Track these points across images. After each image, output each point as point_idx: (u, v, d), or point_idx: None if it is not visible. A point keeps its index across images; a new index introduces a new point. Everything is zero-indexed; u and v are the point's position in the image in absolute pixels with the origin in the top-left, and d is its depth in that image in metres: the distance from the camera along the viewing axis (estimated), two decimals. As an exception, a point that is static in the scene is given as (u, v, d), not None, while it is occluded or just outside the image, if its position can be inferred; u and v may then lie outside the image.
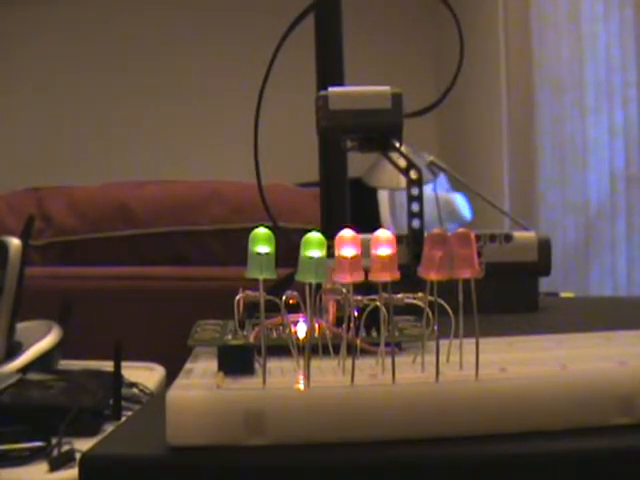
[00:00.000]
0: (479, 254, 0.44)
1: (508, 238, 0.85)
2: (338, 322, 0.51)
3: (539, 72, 3.02)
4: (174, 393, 0.40)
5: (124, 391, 0.87)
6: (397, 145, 0.83)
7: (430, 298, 0.44)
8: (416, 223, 0.82)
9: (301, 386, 0.42)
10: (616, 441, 0.40)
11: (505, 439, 0.40)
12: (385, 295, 0.44)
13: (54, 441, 0.72)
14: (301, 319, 0.48)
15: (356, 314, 0.47)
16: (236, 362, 0.45)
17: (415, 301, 0.46)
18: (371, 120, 0.81)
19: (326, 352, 0.49)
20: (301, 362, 0.44)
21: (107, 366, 0.88)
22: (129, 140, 3.94)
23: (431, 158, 1.76)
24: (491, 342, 0.52)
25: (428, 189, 2.09)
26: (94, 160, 3.81)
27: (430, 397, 0.41)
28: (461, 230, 0.44)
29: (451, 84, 0.95)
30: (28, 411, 0.78)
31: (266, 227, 0.43)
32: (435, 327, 0.45)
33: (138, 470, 0.40)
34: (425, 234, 0.80)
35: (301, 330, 0.48)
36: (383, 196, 2.68)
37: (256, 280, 0.42)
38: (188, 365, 0.49)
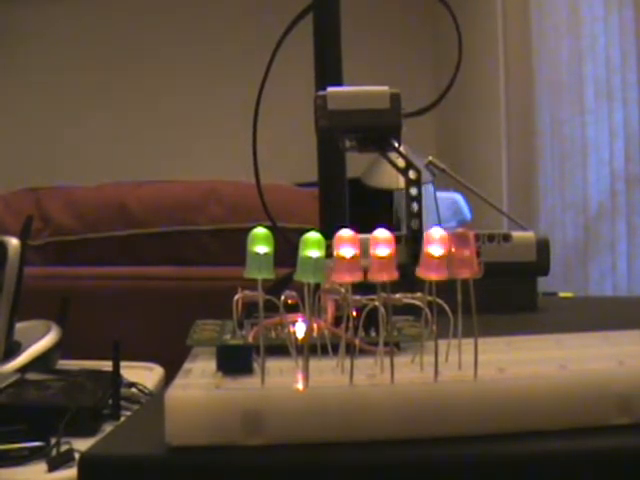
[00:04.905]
0: (478, 254, 0.43)
1: (507, 238, 0.85)
2: (337, 322, 0.51)
3: (538, 72, 3.02)
4: (173, 393, 0.40)
5: (123, 391, 0.87)
6: (396, 145, 0.83)
7: (429, 298, 0.44)
8: (415, 223, 0.82)
9: (300, 386, 0.42)
10: (614, 441, 0.40)
11: (504, 439, 0.40)
12: (384, 295, 0.44)
13: (53, 441, 0.72)
14: (300, 319, 0.48)
15: (355, 314, 0.47)
16: (235, 362, 0.45)
17: (414, 301, 0.46)
18: (370, 120, 0.81)
19: (325, 352, 0.49)
20: (300, 362, 0.44)
21: (106, 366, 0.87)
22: (127, 140, 3.94)
23: (430, 158, 1.76)
24: (490, 342, 0.52)
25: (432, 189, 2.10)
26: (92, 160, 3.81)
27: (429, 397, 0.41)
28: (460, 230, 0.44)
29: (450, 84, 0.95)
30: (27, 411, 0.78)
31: (265, 227, 0.43)
32: (434, 327, 0.45)
33: (137, 470, 0.40)
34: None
35: (300, 330, 0.48)
36: (398, 197, 2.67)
37: (255, 280, 0.42)
38: (187, 365, 0.49)
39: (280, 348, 0.48)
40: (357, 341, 0.46)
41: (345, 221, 1.04)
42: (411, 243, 0.81)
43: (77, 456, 0.67)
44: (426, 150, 1.84)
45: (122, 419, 0.81)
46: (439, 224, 2.13)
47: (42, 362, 0.96)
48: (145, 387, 0.92)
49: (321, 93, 0.82)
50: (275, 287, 0.53)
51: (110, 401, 0.83)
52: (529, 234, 0.86)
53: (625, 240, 2.60)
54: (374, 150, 0.84)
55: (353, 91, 0.83)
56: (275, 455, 0.39)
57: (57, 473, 0.68)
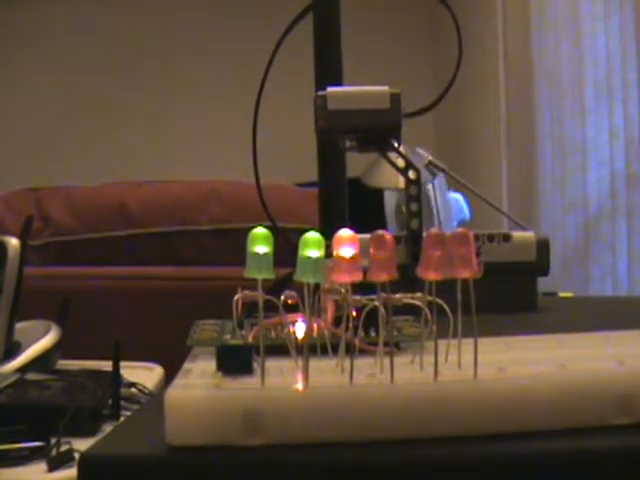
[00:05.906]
0: (478, 254, 0.43)
1: (507, 238, 0.85)
2: (337, 322, 0.51)
3: (538, 72, 3.02)
4: (173, 393, 0.40)
5: (123, 391, 0.87)
6: (396, 145, 0.83)
7: (429, 298, 0.44)
8: (415, 223, 0.82)
9: (299, 386, 0.42)
10: (614, 441, 0.40)
11: (504, 439, 0.40)
12: (384, 295, 0.44)
13: (53, 441, 0.72)
14: (300, 319, 0.48)
15: (355, 314, 0.47)
16: (235, 362, 0.45)
17: (414, 301, 0.46)
18: (370, 120, 0.81)
19: (325, 352, 0.49)
20: (300, 362, 0.44)
21: (106, 366, 0.87)
22: (127, 140, 3.94)
23: (430, 158, 1.76)
24: (490, 342, 0.52)
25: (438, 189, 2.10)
26: (92, 160, 3.81)
27: (428, 397, 0.41)
28: (460, 230, 0.44)
29: (450, 84, 0.95)
30: (27, 411, 0.78)
31: (265, 227, 0.43)
32: (434, 327, 0.44)
33: (137, 470, 0.40)
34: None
35: (300, 330, 0.48)
36: (388, 196, 2.67)
37: (255, 280, 0.42)
38: (187, 365, 0.49)
39: (280, 348, 0.48)
40: (357, 341, 0.46)
41: (345, 221, 1.04)
42: (411, 243, 0.81)
43: (77, 456, 0.67)
44: (426, 150, 1.84)
45: (122, 419, 0.81)
46: (448, 223, 2.13)
47: (42, 362, 0.96)
48: (145, 387, 0.92)
49: (321, 93, 0.82)
50: (275, 287, 0.53)
51: (110, 401, 0.83)
52: (529, 234, 0.86)
53: (625, 240, 2.60)
54: (374, 150, 0.84)
55: (353, 91, 0.83)
56: (275, 455, 0.39)
57: (57, 473, 0.68)
